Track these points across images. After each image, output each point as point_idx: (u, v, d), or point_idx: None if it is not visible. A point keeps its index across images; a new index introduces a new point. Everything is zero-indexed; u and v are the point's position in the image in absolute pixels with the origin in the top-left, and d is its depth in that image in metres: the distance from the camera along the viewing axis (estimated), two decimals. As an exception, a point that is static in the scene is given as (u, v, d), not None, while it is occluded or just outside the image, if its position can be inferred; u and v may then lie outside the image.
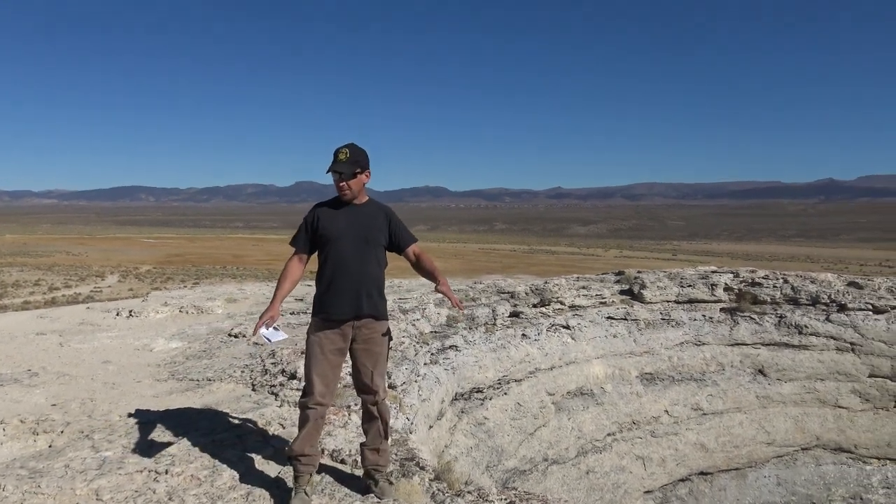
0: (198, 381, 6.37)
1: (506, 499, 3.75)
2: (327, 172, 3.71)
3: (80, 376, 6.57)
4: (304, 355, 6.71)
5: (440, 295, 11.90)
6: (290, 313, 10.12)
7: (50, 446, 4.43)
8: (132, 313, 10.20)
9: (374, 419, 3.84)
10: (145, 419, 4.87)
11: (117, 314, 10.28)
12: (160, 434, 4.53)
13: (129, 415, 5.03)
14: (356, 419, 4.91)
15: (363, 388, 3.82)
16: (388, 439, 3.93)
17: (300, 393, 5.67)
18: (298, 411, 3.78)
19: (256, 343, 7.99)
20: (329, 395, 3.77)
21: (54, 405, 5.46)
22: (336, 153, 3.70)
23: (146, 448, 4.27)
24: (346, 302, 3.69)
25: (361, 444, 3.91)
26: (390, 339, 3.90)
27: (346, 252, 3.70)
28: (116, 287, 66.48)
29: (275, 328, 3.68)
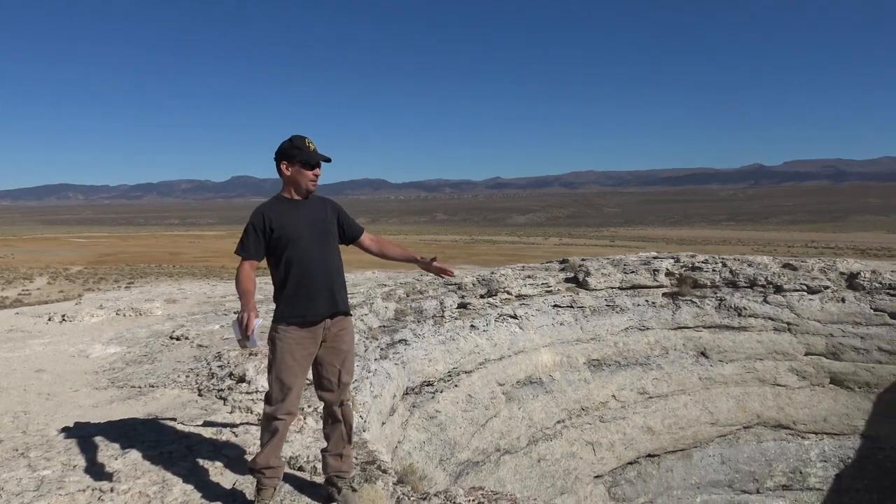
0: (140, 387, 6.09)
1: (474, 499, 3.65)
2: (317, 164, 3.53)
3: (11, 387, 6.21)
4: (251, 356, 6.52)
5: (387, 288, 11.70)
6: (234, 312, 9.81)
7: (-19, 467, 4.13)
8: (65, 318, 9.75)
9: (337, 423, 3.66)
10: (85, 432, 4.60)
11: (49, 319, 9.81)
12: (103, 448, 4.28)
13: (68, 428, 4.74)
14: (312, 423, 4.75)
15: (327, 387, 3.62)
16: (351, 443, 3.77)
17: (249, 396, 5.50)
18: (263, 422, 3.55)
19: (200, 345, 7.71)
20: (297, 403, 3.58)
21: (-16, 420, 5.13)
22: (308, 142, 3.53)
23: (88, 465, 4.01)
24: (321, 301, 3.50)
25: (323, 450, 3.72)
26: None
27: (311, 250, 3.50)
28: (46, 289, 63.83)
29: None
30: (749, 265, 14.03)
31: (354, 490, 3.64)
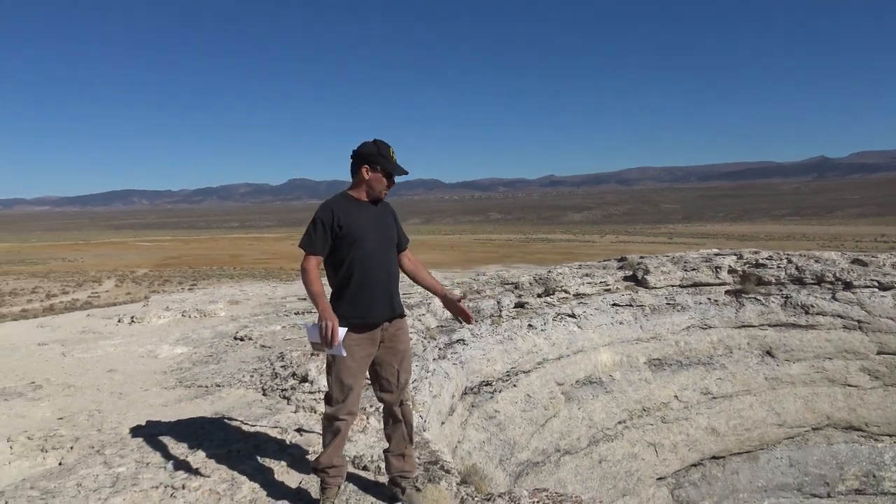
0: (206, 387, 6.23)
1: (538, 501, 3.62)
2: (398, 175, 3.59)
3: (85, 387, 6.44)
4: (312, 356, 6.61)
5: (445, 289, 11.78)
6: (296, 313, 9.97)
7: (60, 464, 4.29)
8: (134, 319, 10.06)
9: (398, 423, 3.68)
10: (157, 430, 4.73)
11: (119, 321, 10.13)
12: (173, 446, 4.40)
13: (140, 426, 4.89)
14: (375, 423, 4.79)
15: (387, 388, 3.63)
16: (413, 443, 3.78)
17: (312, 396, 5.57)
18: (324, 423, 3.59)
19: (264, 346, 7.85)
20: (358, 403, 3.60)
21: (61, 419, 5.32)
22: (392, 152, 3.55)
23: (160, 462, 4.13)
24: (382, 304, 3.52)
25: (385, 451, 3.75)
26: None
27: (376, 252, 3.51)
28: (114, 292, 66.28)
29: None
30: (816, 261, 13.58)
31: (419, 490, 3.65)
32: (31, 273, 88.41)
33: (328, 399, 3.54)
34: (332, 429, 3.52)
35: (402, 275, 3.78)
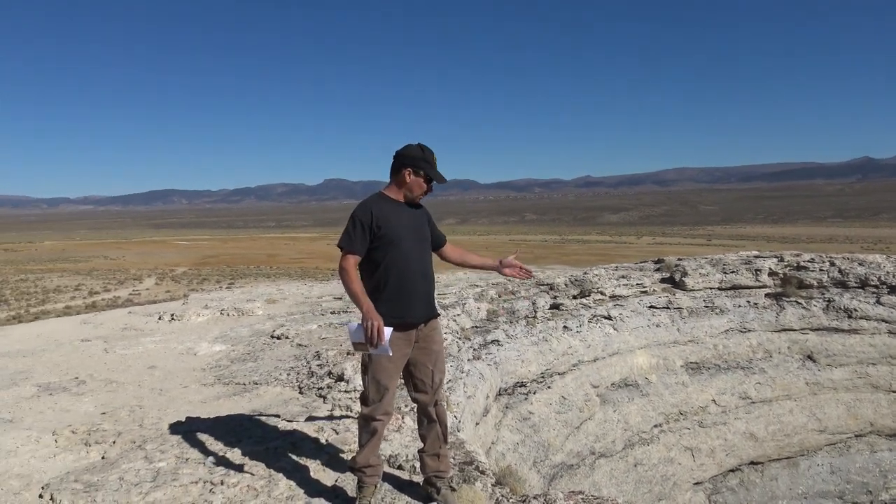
0: (244, 384, 6.32)
1: (573, 503, 3.61)
2: (438, 183, 3.63)
3: (127, 383, 6.57)
4: (349, 355, 6.66)
5: (479, 289, 11.69)
6: (332, 312, 10.06)
7: (103, 458, 4.39)
8: (174, 317, 10.24)
9: (432, 423, 3.68)
10: (196, 427, 4.81)
11: (159, 318, 10.32)
12: (212, 442, 4.47)
13: (180, 423, 4.98)
14: (410, 422, 4.80)
15: (421, 388, 3.63)
16: (447, 443, 3.79)
17: (348, 395, 5.62)
18: (360, 422, 3.60)
19: (300, 344, 7.93)
20: (393, 403, 3.62)
21: (104, 414, 5.44)
22: (435, 158, 3.58)
23: (200, 458, 4.20)
24: (419, 305, 3.53)
25: (420, 451, 3.75)
26: None
27: (413, 253, 3.52)
28: (154, 290, 67.54)
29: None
30: (860, 264, 13.28)
31: (454, 490, 3.66)
32: (74, 270, 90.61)
33: (364, 399, 3.56)
34: (369, 428, 3.54)
35: (435, 276, 3.79)
